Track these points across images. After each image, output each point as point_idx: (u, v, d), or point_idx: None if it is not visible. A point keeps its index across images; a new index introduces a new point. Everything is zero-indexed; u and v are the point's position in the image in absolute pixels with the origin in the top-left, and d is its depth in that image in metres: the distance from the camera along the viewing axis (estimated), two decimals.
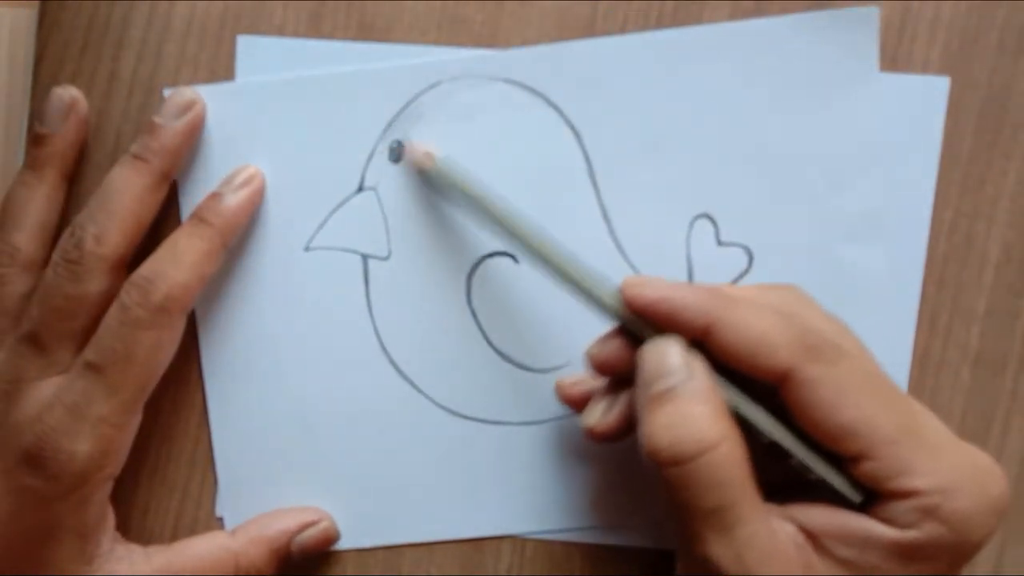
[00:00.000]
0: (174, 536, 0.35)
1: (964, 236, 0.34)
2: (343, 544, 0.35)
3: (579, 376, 0.33)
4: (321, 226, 0.34)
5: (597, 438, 0.31)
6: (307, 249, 0.34)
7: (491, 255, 0.34)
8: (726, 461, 0.27)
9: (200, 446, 0.35)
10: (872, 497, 0.28)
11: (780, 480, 0.29)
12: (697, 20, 0.34)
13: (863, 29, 0.33)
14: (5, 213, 0.33)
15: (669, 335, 0.29)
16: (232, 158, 0.34)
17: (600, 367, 0.30)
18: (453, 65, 0.34)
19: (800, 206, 0.34)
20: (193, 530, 0.35)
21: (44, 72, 0.34)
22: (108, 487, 0.32)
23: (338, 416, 0.35)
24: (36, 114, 0.34)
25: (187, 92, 0.33)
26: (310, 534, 0.34)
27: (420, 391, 0.35)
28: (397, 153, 0.34)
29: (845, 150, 0.34)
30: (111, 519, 0.33)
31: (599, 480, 0.35)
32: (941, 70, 0.34)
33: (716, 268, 0.34)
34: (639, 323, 0.29)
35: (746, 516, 0.26)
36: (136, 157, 0.32)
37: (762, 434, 0.28)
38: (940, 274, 0.34)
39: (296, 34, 0.34)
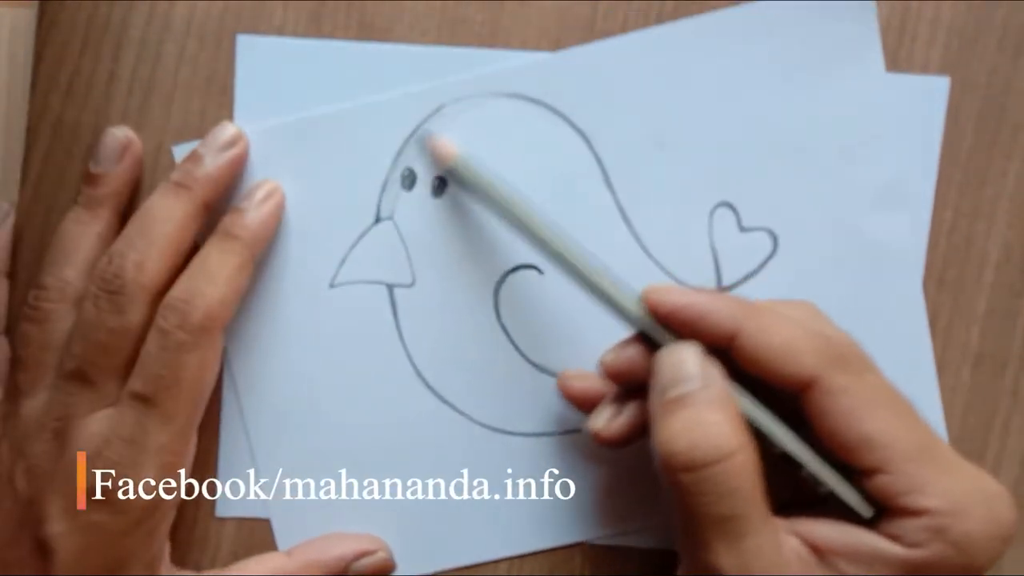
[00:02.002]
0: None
1: (964, 236, 0.34)
2: (399, 571, 0.35)
3: (584, 372, 0.32)
4: (343, 261, 0.34)
5: (602, 443, 0.31)
6: (332, 286, 0.34)
7: (515, 269, 0.34)
8: (741, 470, 0.26)
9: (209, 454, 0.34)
10: (880, 513, 0.28)
11: (787, 494, 0.29)
12: None
13: (863, 16, 0.33)
14: (56, 249, 0.33)
15: (687, 341, 0.28)
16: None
17: (614, 375, 0.30)
18: (453, 87, 0.34)
19: (817, 182, 0.34)
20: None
21: (44, 72, 0.34)
22: (172, 516, 0.32)
23: (382, 449, 0.34)
24: (90, 153, 0.34)
25: (230, 128, 0.33)
26: (366, 563, 0.34)
27: (460, 411, 0.34)
28: (410, 180, 0.34)
29: (855, 123, 0.33)
30: (168, 546, 0.32)
31: (632, 483, 0.34)
32: (941, 70, 0.34)
33: (741, 254, 0.34)
34: (659, 330, 0.29)
35: (755, 527, 0.26)
36: (178, 184, 0.32)
37: (775, 444, 0.28)
38: (940, 274, 0.34)
39: (296, 34, 0.34)
